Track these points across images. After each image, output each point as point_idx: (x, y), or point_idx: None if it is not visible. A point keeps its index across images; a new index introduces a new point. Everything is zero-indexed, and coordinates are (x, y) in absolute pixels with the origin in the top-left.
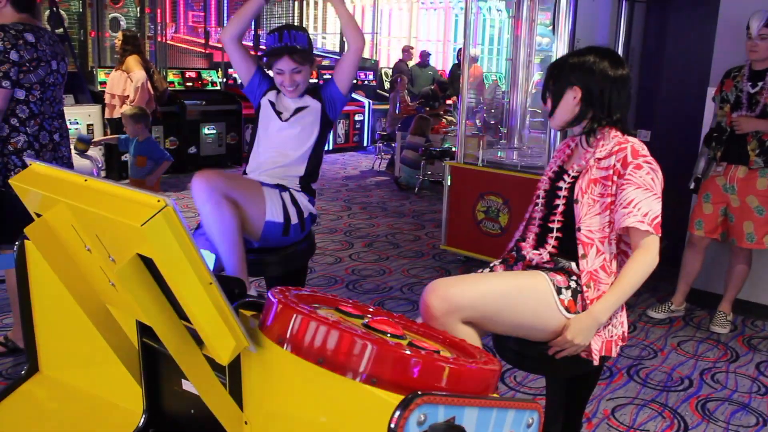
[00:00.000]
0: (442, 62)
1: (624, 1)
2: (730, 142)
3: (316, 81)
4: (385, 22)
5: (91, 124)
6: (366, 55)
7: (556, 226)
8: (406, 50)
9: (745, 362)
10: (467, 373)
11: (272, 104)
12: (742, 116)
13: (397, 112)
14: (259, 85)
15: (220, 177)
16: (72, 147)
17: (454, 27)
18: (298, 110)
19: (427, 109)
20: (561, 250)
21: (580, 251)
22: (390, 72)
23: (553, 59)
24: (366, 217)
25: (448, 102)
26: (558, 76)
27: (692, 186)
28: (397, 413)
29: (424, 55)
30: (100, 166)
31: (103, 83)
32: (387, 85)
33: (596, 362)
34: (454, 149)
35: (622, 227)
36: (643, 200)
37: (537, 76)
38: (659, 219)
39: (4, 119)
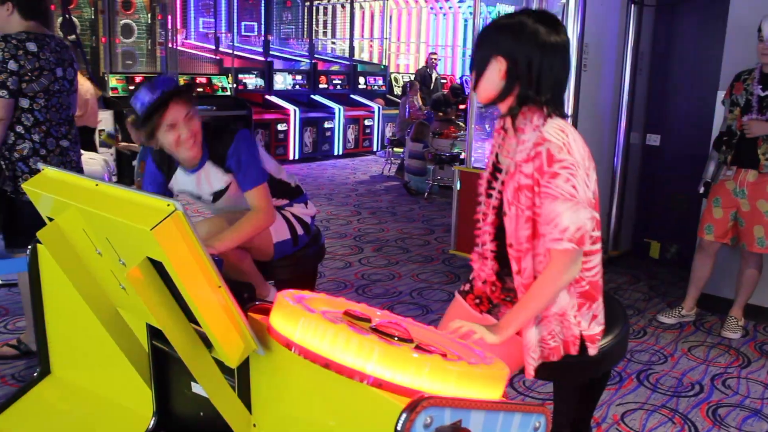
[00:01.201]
0: (451, 67)
1: (633, 5)
2: (741, 146)
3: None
4: (394, 27)
5: (103, 130)
6: (375, 60)
7: (488, 238)
8: (430, 57)
9: (757, 368)
10: (474, 376)
11: (186, 192)
12: (753, 119)
13: (407, 117)
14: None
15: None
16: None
17: (463, 31)
18: (218, 195)
19: (440, 114)
20: (502, 264)
21: (514, 267)
22: (399, 77)
23: None
24: (375, 221)
25: (461, 107)
26: (483, 43)
27: (702, 190)
28: (404, 416)
29: (432, 58)
30: (111, 170)
31: (115, 89)
32: (397, 90)
33: (555, 358)
34: (463, 154)
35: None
36: (563, 212)
37: None
38: (584, 229)
39: (10, 127)
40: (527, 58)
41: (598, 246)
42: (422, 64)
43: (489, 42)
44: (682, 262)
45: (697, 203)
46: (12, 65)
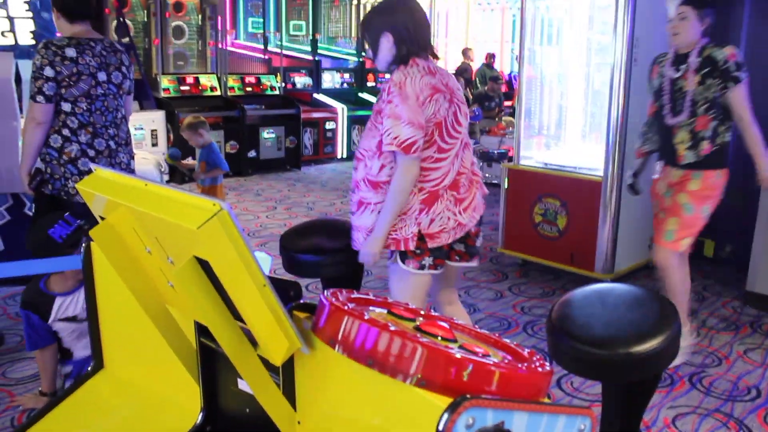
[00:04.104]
0: (500, 63)
1: None
2: (662, 138)
3: None
4: (442, 24)
5: (155, 130)
6: None
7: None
8: (465, 52)
9: None
10: (518, 377)
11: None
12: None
13: None
14: None
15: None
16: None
17: (511, 27)
18: None
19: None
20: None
21: (354, 164)
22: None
23: (613, 59)
24: None
25: (507, 103)
26: (369, 29)
27: (630, 181)
28: (446, 416)
29: (491, 56)
30: (162, 170)
31: (167, 90)
32: None
33: (395, 247)
34: (511, 152)
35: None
36: (392, 127)
37: (596, 76)
38: (410, 141)
39: (57, 131)
40: (405, 26)
41: (440, 165)
42: (476, 61)
43: (374, 27)
44: (737, 262)
45: (754, 200)
46: (48, 71)
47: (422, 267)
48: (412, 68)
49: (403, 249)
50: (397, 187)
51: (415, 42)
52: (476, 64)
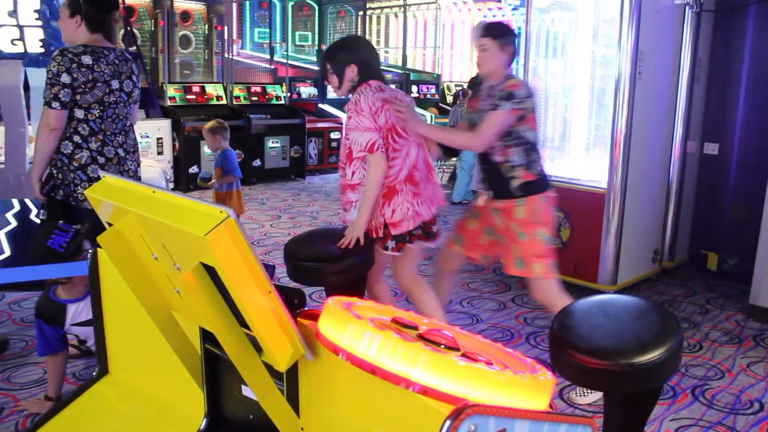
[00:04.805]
0: None
1: (690, 11)
2: (490, 173)
3: None
4: (447, 36)
5: (161, 138)
6: (428, 68)
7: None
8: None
9: None
10: (520, 385)
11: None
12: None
13: (456, 125)
14: None
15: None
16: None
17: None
18: None
19: None
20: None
21: (341, 174)
22: (452, 86)
23: (617, 72)
24: None
25: None
26: (335, 61)
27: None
28: (448, 423)
29: None
30: (168, 179)
31: (173, 98)
32: (450, 99)
33: (371, 234)
34: None
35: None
36: (357, 137)
37: (600, 89)
38: (371, 142)
39: (68, 137)
40: (366, 59)
41: (393, 163)
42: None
43: (339, 59)
44: (740, 275)
45: (758, 214)
46: (65, 78)
47: (386, 248)
48: (365, 89)
49: (373, 236)
50: (370, 181)
51: (373, 71)
52: None
